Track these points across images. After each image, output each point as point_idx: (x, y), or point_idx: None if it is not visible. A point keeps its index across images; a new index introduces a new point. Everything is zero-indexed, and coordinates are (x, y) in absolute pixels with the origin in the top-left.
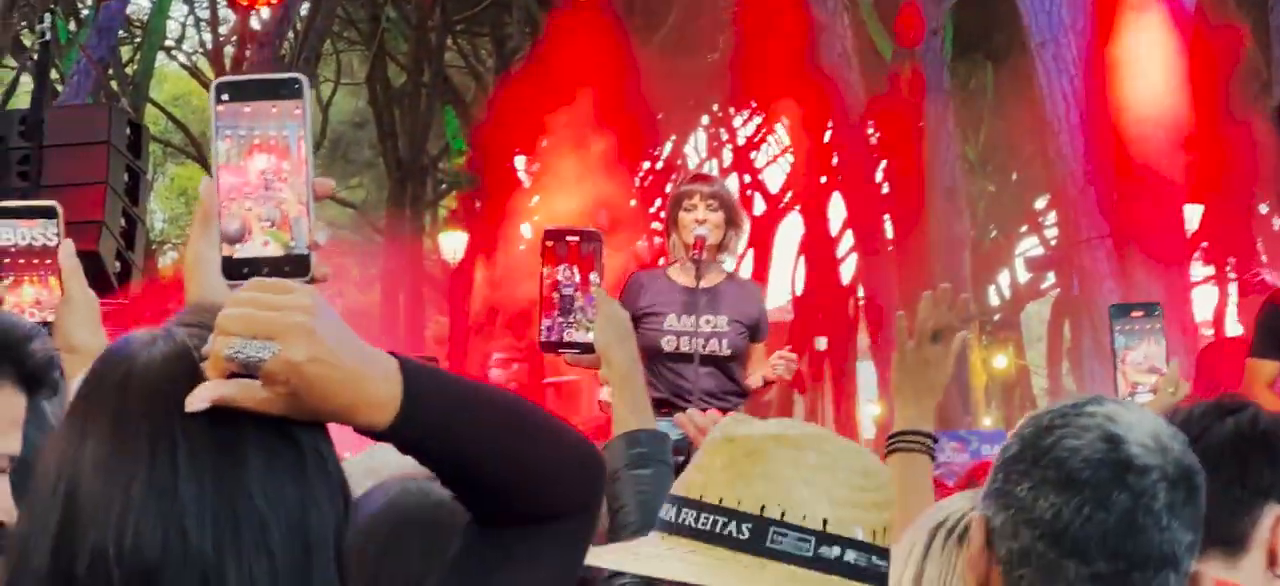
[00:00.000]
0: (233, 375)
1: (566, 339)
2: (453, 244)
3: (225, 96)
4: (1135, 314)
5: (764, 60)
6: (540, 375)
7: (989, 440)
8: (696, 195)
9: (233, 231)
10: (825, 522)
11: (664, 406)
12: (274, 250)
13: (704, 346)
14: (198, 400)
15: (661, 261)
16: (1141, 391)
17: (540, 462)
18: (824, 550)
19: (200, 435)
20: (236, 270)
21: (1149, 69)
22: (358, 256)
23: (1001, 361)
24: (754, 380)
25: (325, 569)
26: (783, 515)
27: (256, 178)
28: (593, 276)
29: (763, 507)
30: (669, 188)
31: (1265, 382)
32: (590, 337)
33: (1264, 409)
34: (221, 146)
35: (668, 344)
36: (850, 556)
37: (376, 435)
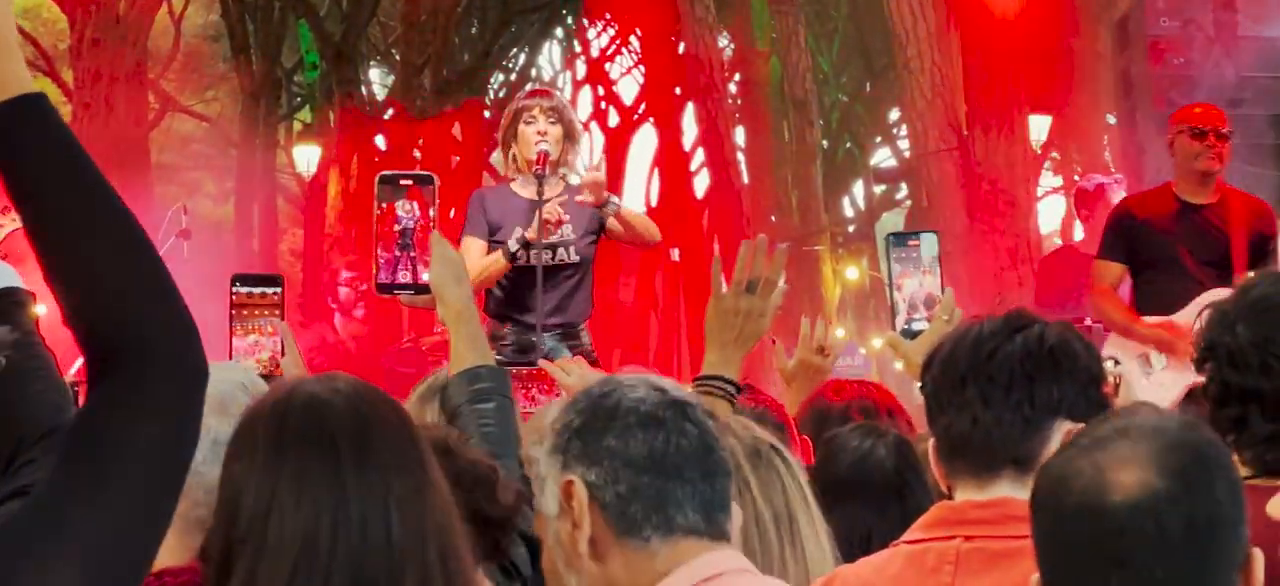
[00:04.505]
0: None
1: (400, 281)
2: (306, 157)
3: None
4: (912, 242)
5: None
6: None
7: (840, 353)
8: (536, 108)
9: None
10: None
11: (506, 321)
12: None
13: (553, 256)
14: None
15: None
16: (917, 320)
17: (128, 263)
18: None
19: None
20: None
21: None
22: (212, 170)
23: (853, 273)
24: (584, 197)
25: None
26: None
27: None
28: (430, 214)
29: None
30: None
31: (1109, 284)
32: (425, 278)
33: (1053, 324)
34: None
35: (519, 257)
36: None
37: None
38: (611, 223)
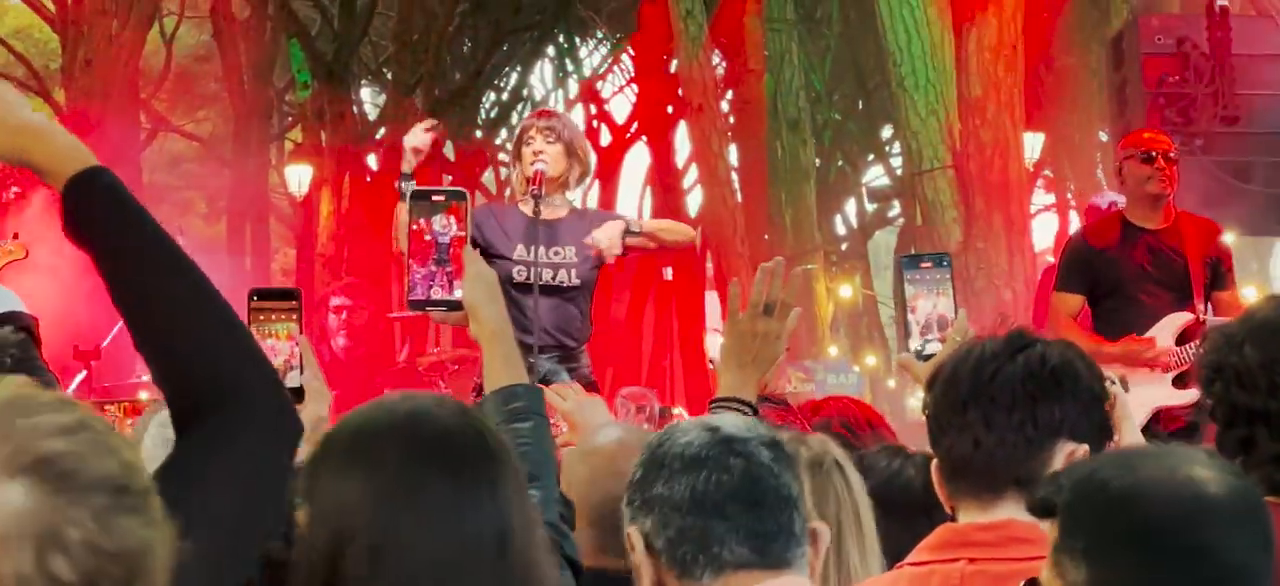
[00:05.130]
0: None
1: (434, 297)
2: (298, 176)
3: None
4: (924, 264)
5: None
6: (385, 309)
7: (834, 370)
8: (534, 129)
9: None
10: None
11: None
12: None
13: (553, 277)
14: None
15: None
16: (930, 341)
17: (203, 321)
18: None
19: None
20: None
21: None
22: (204, 189)
23: (847, 291)
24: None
25: None
26: None
27: None
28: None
29: None
30: (514, 118)
31: (1069, 315)
32: (458, 295)
33: (1054, 344)
34: None
35: (519, 274)
36: None
37: (64, 201)
38: (632, 241)
